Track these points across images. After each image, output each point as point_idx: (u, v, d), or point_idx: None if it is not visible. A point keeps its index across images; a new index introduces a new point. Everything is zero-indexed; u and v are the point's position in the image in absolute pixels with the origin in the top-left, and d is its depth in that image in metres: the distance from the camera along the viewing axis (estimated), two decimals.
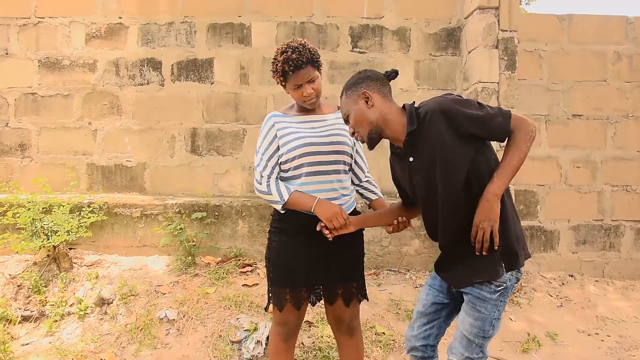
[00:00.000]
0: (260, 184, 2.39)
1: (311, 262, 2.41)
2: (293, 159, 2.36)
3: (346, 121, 2.22)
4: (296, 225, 2.41)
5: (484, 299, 2.08)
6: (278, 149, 2.40)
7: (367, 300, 2.63)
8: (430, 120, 2.02)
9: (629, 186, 4.89)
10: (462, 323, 2.15)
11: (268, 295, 2.54)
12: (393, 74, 2.27)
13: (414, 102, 2.19)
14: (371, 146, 2.18)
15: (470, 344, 2.12)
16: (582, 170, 4.89)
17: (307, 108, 2.45)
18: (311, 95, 2.37)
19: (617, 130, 4.89)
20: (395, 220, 2.37)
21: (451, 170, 2.02)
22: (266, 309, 2.58)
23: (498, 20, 4.43)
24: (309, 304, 2.58)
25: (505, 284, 2.07)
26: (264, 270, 4.31)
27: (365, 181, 2.65)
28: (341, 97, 2.21)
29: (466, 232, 2.04)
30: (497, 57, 4.43)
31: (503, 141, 2.05)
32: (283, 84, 2.39)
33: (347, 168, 2.51)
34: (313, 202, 2.33)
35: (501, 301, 2.10)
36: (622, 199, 4.89)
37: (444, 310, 2.33)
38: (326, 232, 2.32)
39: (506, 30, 4.44)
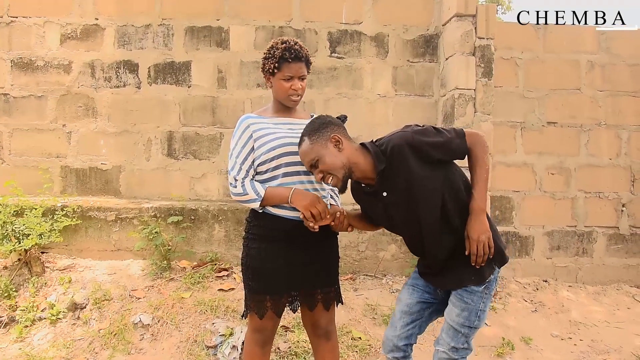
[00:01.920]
0: (235, 187, 2.36)
1: (291, 268, 2.40)
2: (272, 159, 2.33)
3: (313, 167, 2.19)
4: (274, 230, 2.39)
5: (471, 291, 2.21)
6: (252, 150, 2.36)
7: (342, 304, 2.63)
8: (398, 156, 2.10)
9: (602, 192, 4.98)
10: (448, 314, 2.25)
11: (246, 302, 2.49)
12: (344, 119, 2.39)
13: (372, 139, 2.25)
14: (343, 189, 2.23)
15: (457, 333, 2.22)
16: (556, 177, 4.96)
17: (287, 106, 2.45)
18: (298, 90, 2.38)
19: (590, 137, 4.98)
20: (336, 217, 2.37)
21: (428, 196, 2.13)
22: (244, 316, 2.52)
23: (475, 28, 4.49)
24: (291, 311, 2.57)
25: (490, 278, 2.22)
26: (240, 275, 4.30)
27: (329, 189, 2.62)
28: (301, 143, 2.21)
29: (455, 247, 2.19)
30: (474, 64, 4.48)
31: (463, 158, 2.19)
32: (274, 72, 2.36)
33: None
34: (289, 193, 2.32)
35: (486, 294, 2.23)
36: (595, 205, 4.97)
37: (428, 309, 2.40)
38: (310, 224, 2.31)
39: (483, 38, 4.49)
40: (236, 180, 2.36)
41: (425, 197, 2.13)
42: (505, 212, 4.92)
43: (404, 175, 2.11)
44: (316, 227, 2.31)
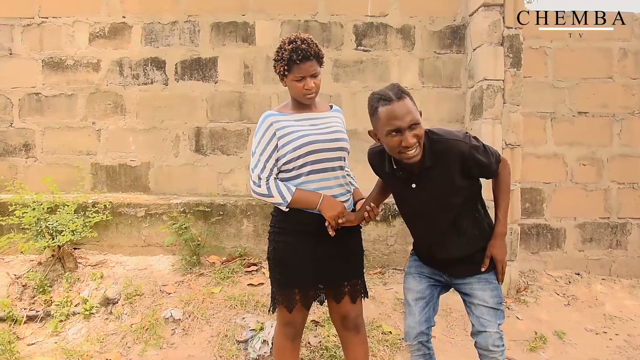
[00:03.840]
0: (259, 186, 2.35)
1: (318, 261, 2.41)
2: (298, 157, 2.33)
3: (411, 128, 2.06)
4: (301, 224, 2.40)
5: (491, 271, 2.37)
6: (276, 148, 2.35)
7: (367, 297, 2.64)
8: (446, 161, 2.17)
9: (636, 183, 4.86)
10: (481, 299, 2.34)
11: (272, 297, 2.50)
12: None
13: (428, 130, 2.21)
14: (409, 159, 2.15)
15: (496, 312, 2.33)
16: (588, 168, 4.86)
17: (304, 103, 2.45)
18: (312, 89, 2.37)
19: (623, 127, 4.86)
20: (366, 213, 2.42)
21: (451, 203, 2.26)
22: (272, 311, 2.52)
23: (503, 17, 4.40)
24: (319, 303, 2.58)
25: None
26: None
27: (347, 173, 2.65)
28: (401, 99, 2.05)
29: (460, 246, 2.33)
30: (502, 55, 4.39)
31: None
32: (285, 73, 2.36)
33: (346, 164, 2.56)
34: (318, 201, 2.33)
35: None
36: (629, 196, 4.86)
37: (437, 290, 2.50)
38: (330, 231, 2.37)
39: (511, 28, 4.40)
40: (260, 179, 2.35)
41: (448, 204, 2.26)
42: (536, 204, 4.84)
43: (442, 180, 2.19)
44: (332, 233, 2.37)
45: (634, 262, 4.84)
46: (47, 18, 4.96)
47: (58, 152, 4.98)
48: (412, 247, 2.61)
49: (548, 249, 4.82)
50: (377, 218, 4.51)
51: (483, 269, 2.32)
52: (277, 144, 2.35)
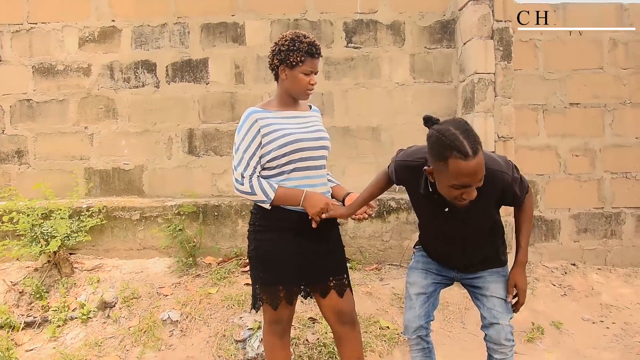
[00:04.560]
0: (242, 184, 2.33)
1: (301, 257, 2.40)
2: (283, 155, 2.33)
3: (481, 179, 1.94)
4: (282, 221, 2.39)
5: (502, 263, 2.39)
6: (260, 146, 2.34)
7: (352, 291, 2.62)
8: (487, 190, 2.05)
9: (629, 173, 4.88)
10: (495, 292, 2.34)
11: (255, 295, 2.49)
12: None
13: None
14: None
15: (508, 305, 2.33)
16: (581, 159, 4.88)
17: (300, 99, 2.48)
18: (314, 85, 2.42)
19: (615, 117, 4.88)
20: (360, 215, 2.46)
21: (481, 226, 2.28)
22: (257, 310, 2.51)
23: (492, 11, 4.41)
24: (302, 298, 2.58)
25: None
26: None
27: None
28: (476, 154, 1.84)
29: (476, 255, 2.35)
30: (492, 48, 4.41)
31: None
32: (297, 64, 2.35)
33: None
34: (300, 197, 2.34)
35: None
36: (622, 186, 4.88)
37: (440, 286, 2.49)
38: (313, 225, 2.38)
39: (501, 21, 4.42)
40: (243, 177, 2.33)
41: (478, 229, 2.27)
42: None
43: (478, 208, 2.12)
44: (315, 225, 2.38)
45: (628, 251, 4.86)
46: (36, 24, 4.95)
47: (51, 158, 4.97)
48: (417, 242, 2.59)
49: (543, 240, 4.84)
50: (372, 214, 4.52)
51: (509, 299, 2.32)
52: (261, 141, 2.34)
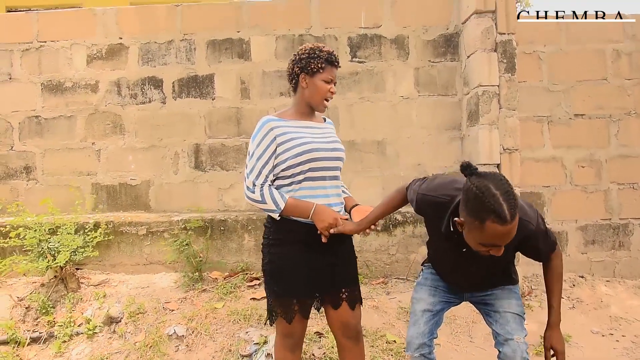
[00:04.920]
0: (253, 192, 2.32)
1: (314, 270, 2.40)
2: (299, 164, 2.32)
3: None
4: (294, 234, 2.38)
5: (513, 282, 2.39)
6: (274, 154, 2.34)
7: (362, 304, 2.62)
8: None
9: (636, 183, 4.85)
10: (508, 307, 2.31)
11: (270, 308, 2.47)
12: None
13: None
14: None
15: (522, 320, 2.31)
16: (587, 170, 4.86)
17: (318, 110, 2.49)
18: (334, 94, 2.45)
19: (620, 128, 4.87)
20: (368, 230, 2.46)
21: (497, 268, 2.26)
22: (271, 323, 2.48)
23: (495, 24, 4.44)
24: (316, 310, 2.57)
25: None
26: None
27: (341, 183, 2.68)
28: (513, 219, 1.80)
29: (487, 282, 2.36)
30: (496, 60, 4.43)
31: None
32: (317, 72, 2.38)
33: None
34: (310, 211, 2.33)
35: None
36: (629, 197, 4.85)
37: (448, 306, 2.47)
38: (323, 239, 2.38)
39: (504, 33, 4.44)
40: (254, 185, 2.32)
41: (492, 270, 2.26)
42: (537, 208, 4.82)
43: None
44: (325, 240, 2.37)
45: (637, 263, 4.81)
46: (45, 42, 5.03)
47: (59, 174, 5.01)
48: (425, 260, 2.58)
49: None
50: (378, 228, 4.53)
51: None
52: (275, 149, 2.33)
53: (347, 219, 2.46)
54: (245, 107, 4.99)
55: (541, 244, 2.13)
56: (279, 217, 2.36)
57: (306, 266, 2.38)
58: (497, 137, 4.41)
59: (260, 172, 2.33)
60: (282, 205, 2.31)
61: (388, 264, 4.63)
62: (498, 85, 4.44)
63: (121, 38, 5.02)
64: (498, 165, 4.42)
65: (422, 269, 2.61)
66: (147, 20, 5.01)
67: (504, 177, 1.90)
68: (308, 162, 2.33)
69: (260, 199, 2.32)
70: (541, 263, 2.26)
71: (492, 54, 4.44)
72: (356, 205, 2.58)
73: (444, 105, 4.95)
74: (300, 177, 2.36)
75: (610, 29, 4.90)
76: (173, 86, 5.00)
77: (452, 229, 2.10)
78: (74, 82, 5.02)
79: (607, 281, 4.68)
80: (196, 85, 4.99)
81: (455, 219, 1.97)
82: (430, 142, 4.93)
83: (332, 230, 2.35)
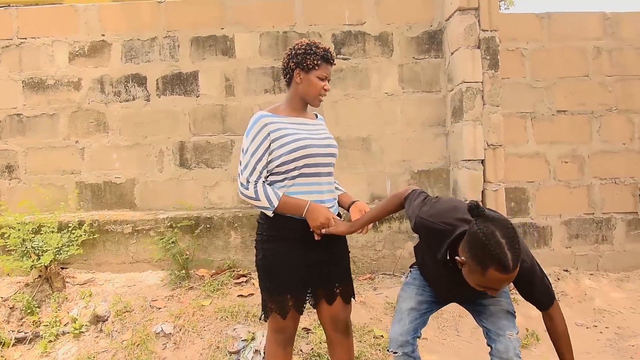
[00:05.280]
0: (247, 189, 2.32)
1: (308, 266, 2.40)
2: (293, 160, 2.32)
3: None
4: (289, 230, 2.38)
5: None
6: (268, 150, 2.33)
7: (355, 299, 2.64)
8: None
9: (617, 178, 4.93)
10: (497, 304, 2.29)
11: (264, 305, 2.47)
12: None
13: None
14: None
15: (513, 317, 2.29)
16: (570, 165, 4.92)
17: (312, 105, 2.49)
18: (327, 92, 2.44)
19: (602, 123, 4.94)
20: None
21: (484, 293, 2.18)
22: (266, 319, 2.48)
23: (478, 21, 4.48)
24: (311, 306, 2.57)
25: None
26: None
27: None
28: (516, 267, 1.82)
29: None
30: (479, 57, 4.47)
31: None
32: (312, 68, 2.37)
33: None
34: (304, 209, 2.32)
35: None
36: (612, 192, 4.93)
37: (435, 306, 2.46)
38: (316, 237, 2.38)
39: (487, 30, 4.49)
40: (249, 182, 2.32)
41: (479, 294, 2.16)
42: (521, 204, 4.89)
43: None
44: (318, 238, 2.37)
45: (620, 256, 4.89)
46: (25, 39, 4.96)
47: (42, 172, 4.95)
48: (414, 263, 2.57)
49: (535, 247, 4.86)
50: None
51: None
52: (269, 145, 2.33)
53: (340, 219, 2.46)
54: (230, 104, 4.97)
55: (539, 287, 2.11)
56: (273, 214, 2.35)
57: (300, 262, 2.38)
58: (481, 133, 4.46)
59: (254, 168, 2.33)
60: (275, 203, 2.31)
61: (374, 260, 4.65)
62: (482, 82, 4.49)
63: (104, 35, 4.97)
64: (482, 161, 4.47)
65: (410, 270, 2.60)
66: (130, 17, 4.97)
67: (511, 222, 1.89)
68: (303, 159, 2.33)
69: (254, 196, 2.32)
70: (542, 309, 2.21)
71: (476, 51, 4.48)
72: (355, 202, 2.57)
73: (429, 102, 4.98)
74: (295, 173, 2.36)
75: (591, 27, 4.97)
76: (157, 83, 4.96)
77: (448, 257, 2.09)
78: (56, 79, 4.96)
79: (591, 274, 4.75)
80: (180, 83, 4.97)
81: (457, 257, 1.94)
82: (415, 139, 4.96)
83: (323, 231, 2.34)
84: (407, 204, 2.31)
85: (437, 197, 2.24)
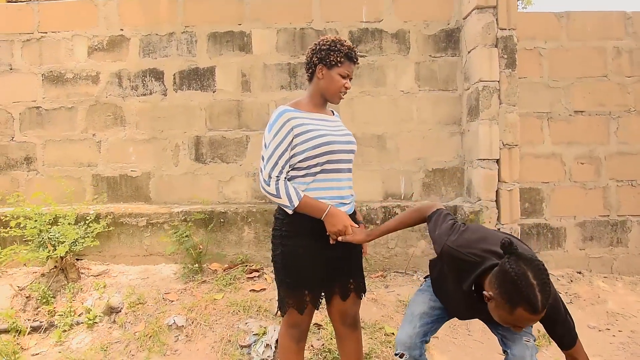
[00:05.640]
0: (269, 185, 2.31)
1: (326, 262, 2.42)
2: (316, 156, 2.32)
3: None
4: (308, 227, 2.38)
5: None
6: (290, 145, 2.32)
7: (365, 295, 2.65)
8: None
9: (634, 180, 4.87)
10: None
11: (282, 300, 2.48)
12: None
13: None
14: None
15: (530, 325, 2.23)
16: (586, 167, 4.88)
17: (332, 102, 2.50)
18: (348, 90, 2.45)
19: (620, 125, 4.88)
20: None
21: None
22: (283, 314, 2.48)
23: (496, 19, 4.46)
24: (326, 301, 2.60)
25: None
26: (271, 274, 4.33)
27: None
28: (544, 310, 1.81)
29: None
30: (496, 56, 4.45)
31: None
32: (335, 65, 2.38)
33: None
34: (324, 212, 2.32)
35: None
36: (628, 194, 4.87)
37: (446, 313, 2.43)
38: (331, 241, 2.40)
39: (505, 29, 4.46)
40: (270, 178, 2.31)
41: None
42: (535, 204, 4.85)
43: None
44: (332, 242, 2.38)
45: (635, 260, 4.84)
46: (46, 33, 5.02)
47: (59, 165, 5.01)
48: (428, 275, 2.56)
49: (549, 248, 4.82)
50: (378, 221, 4.55)
51: None
52: (292, 140, 2.32)
53: (357, 225, 2.46)
54: (246, 100, 4.99)
55: (561, 324, 2.09)
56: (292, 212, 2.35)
57: (319, 257, 2.40)
58: (497, 133, 4.43)
59: (276, 163, 2.32)
60: (296, 202, 2.30)
61: (387, 258, 4.64)
62: (498, 81, 4.46)
63: (122, 29, 5.02)
64: (497, 161, 4.44)
65: (424, 280, 2.59)
66: (149, 12, 5.01)
67: (543, 263, 1.87)
68: (326, 155, 2.34)
69: (274, 193, 2.31)
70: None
71: (493, 50, 4.46)
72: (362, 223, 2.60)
73: (445, 100, 4.96)
74: (317, 169, 2.36)
75: (611, 26, 4.91)
76: (174, 78, 5.00)
77: (472, 288, 2.07)
78: (74, 73, 5.02)
79: (605, 277, 4.71)
80: (197, 78, 5.00)
81: (484, 292, 1.93)
82: (430, 137, 4.95)
83: (340, 238, 2.35)
84: (432, 225, 2.25)
85: (464, 224, 2.18)
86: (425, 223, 2.34)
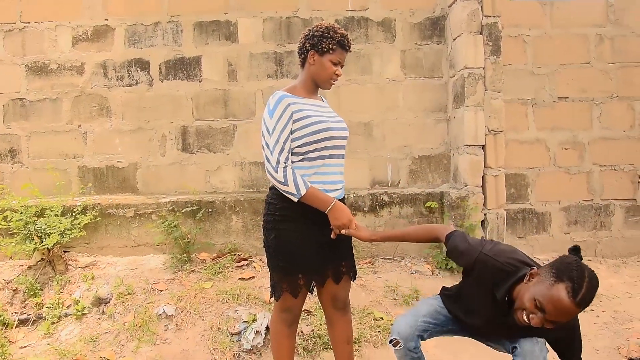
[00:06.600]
0: (277, 171, 2.28)
1: (320, 246, 2.44)
2: (315, 141, 2.34)
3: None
4: (303, 212, 2.38)
5: None
6: (290, 130, 2.33)
7: (354, 280, 2.67)
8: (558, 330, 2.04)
9: (617, 165, 4.94)
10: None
11: (275, 284, 2.48)
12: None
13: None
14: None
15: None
16: (570, 152, 4.94)
17: (323, 88, 2.50)
18: (339, 77, 2.46)
19: (602, 110, 4.95)
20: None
21: (522, 335, 2.21)
22: (277, 299, 2.48)
23: (481, 7, 4.49)
24: (320, 285, 2.60)
25: None
26: (260, 263, 4.35)
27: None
28: (583, 306, 1.84)
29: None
30: (481, 43, 4.48)
31: None
32: (327, 51, 2.38)
33: None
34: (329, 205, 2.33)
35: None
36: (611, 178, 4.95)
37: (456, 328, 2.43)
38: (332, 233, 2.43)
39: (490, 16, 4.49)
40: (278, 163, 2.29)
41: (518, 335, 2.21)
42: (521, 190, 4.90)
43: (532, 332, 2.11)
44: (334, 236, 2.42)
45: (618, 242, 4.93)
46: (29, 23, 4.96)
47: (44, 157, 4.97)
48: (444, 288, 2.54)
49: (534, 232, 4.89)
50: (365, 209, 4.58)
51: None
52: (292, 126, 2.33)
53: (361, 225, 2.49)
54: (232, 89, 4.98)
55: (576, 345, 2.17)
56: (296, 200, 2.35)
57: (313, 241, 2.41)
58: (483, 119, 4.47)
59: (283, 148, 2.30)
60: (302, 192, 2.29)
61: (375, 245, 4.66)
62: (483, 68, 4.50)
63: (107, 19, 4.97)
64: (483, 147, 4.49)
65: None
66: (134, 2, 4.96)
67: (598, 281, 1.89)
68: (324, 140, 2.36)
69: (282, 181, 2.29)
70: None
71: (478, 37, 4.49)
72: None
73: (430, 88, 4.98)
74: (315, 155, 2.37)
75: (593, 13, 4.96)
76: (160, 68, 4.97)
77: (507, 299, 2.08)
78: (59, 63, 4.97)
79: (589, 260, 4.78)
80: (183, 67, 4.97)
81: (532, 269, 1.99)
82: (416, 124, 4.98)
83: (343, 231, 2.37)
84: (458, 240, 2.25)
85: (495, 241, 2.23)
86: (431, 242, 2.45)
